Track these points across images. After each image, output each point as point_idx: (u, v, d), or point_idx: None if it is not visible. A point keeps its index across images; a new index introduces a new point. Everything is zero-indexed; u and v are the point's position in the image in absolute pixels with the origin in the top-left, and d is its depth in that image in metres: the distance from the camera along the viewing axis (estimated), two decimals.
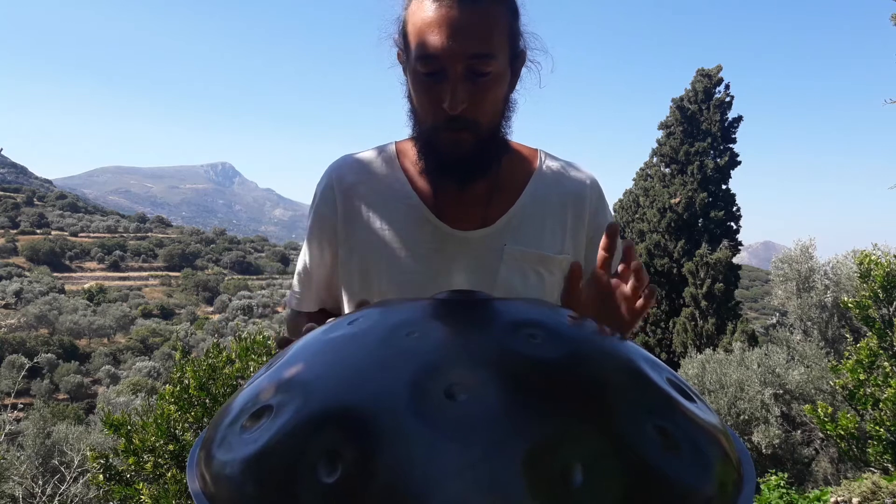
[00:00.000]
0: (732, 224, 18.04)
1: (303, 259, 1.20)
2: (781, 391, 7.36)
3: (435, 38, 0.92)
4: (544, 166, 1.13)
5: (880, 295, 4.92)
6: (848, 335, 6.52)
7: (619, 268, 0.90)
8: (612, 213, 1.18)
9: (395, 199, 1.09)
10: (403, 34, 1.00)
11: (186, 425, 4.24)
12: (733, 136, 18.49)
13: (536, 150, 1.16)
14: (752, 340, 13.14)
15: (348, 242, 1.11)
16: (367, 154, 1.15)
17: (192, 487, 0.52)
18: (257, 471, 0.47)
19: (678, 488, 0.45)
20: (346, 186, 1.12)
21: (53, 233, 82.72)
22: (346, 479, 0.43)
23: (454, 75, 0.93)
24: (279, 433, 0.47)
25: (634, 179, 19.73)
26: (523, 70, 1.05)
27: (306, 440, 0.46)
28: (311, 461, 0.44)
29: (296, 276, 1.23)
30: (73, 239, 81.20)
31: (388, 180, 1.11)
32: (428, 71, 0.94)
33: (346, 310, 1.15)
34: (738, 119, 18.51)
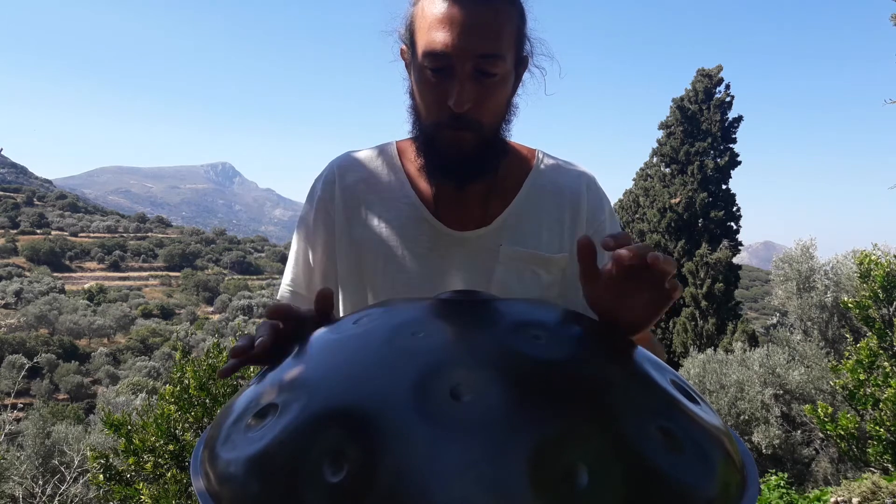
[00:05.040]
0: (732, 224, 18.05)
1: (300, 254, 1.16)
2: (782, 391, 7.36)
3: (445, 35, 0.92)
4: (541, 165, 1.13)
5: (880, 295, 4.92)
6: (848, 335, 6.52)
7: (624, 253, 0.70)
8: (614, 212, 1.18)
9: (394, 198, 1.09)
10: (411, 30, 1.00)
11: (186, 425, 4.24)
12: (733, 136, 18.50)
13: (534, 150, 1.16)
14: (753, 340, 13.15)
15: (347, 239, 1.10)
16: (368, 153, 1.15)
17: (196, 486, 0.52)
18: (262, 469, 0.47)
19: (681, 489, 0.45)
20: (347, 183, 1.12)
21: (53, 233, 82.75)
22: (352, 478, 0.43)
23: (462, 73, 0.93)
24: (284, 432, 0.48)
25: (634, 179, 19.74)
26: (526, 75, 1.05)
27: (311, 439, 0.46)
28: (316, 460, 0.44)
29: (290, 272, 1.17)
30: (73, 239, 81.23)
31: (388, 179, 1.11)
32: (435, 67, 0.94)
33: (342, 307, 1.14)
34: (739, 119, 18.52)
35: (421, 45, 0.96)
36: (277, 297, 1.19)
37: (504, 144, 1.06)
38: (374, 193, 1.10)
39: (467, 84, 0.93)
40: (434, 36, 0.93)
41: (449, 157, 1.00)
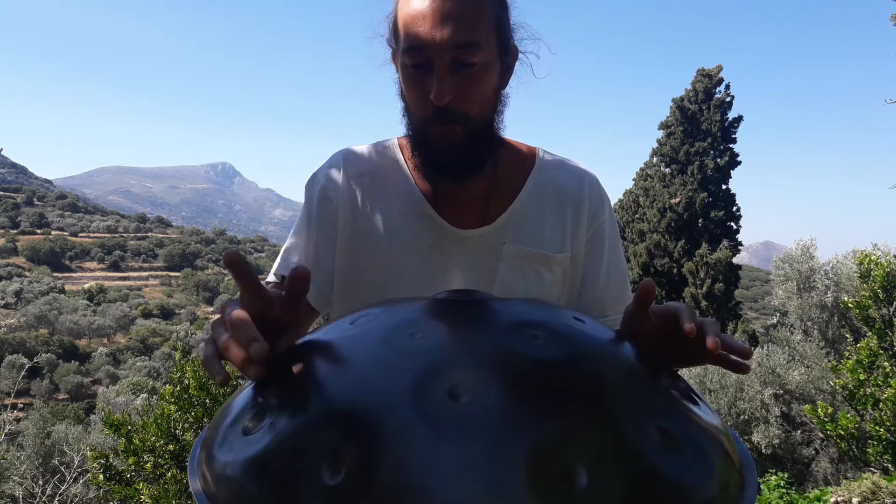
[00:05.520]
0: (732, 224, 18.05)
1: (301, 238, 1.12)
2: (781, 391, 7.36)
3: (420, 29, 0.92)
4: (543, 164, 1.13)
5: (880, 295, 4.91)
6: (848, 335, 6.52)
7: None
8: (613, 211, 1.18)
9: (398, 193, 1.09)
10: (394, 31, 1.00)
11: (186, 425, 4.23)
12: (733, 136, 18.50)
13: (535, 147, 1.16)
14: (753, 340, 13.15)
15: (349, 231, 1.09)
16: (370, 148, 1.14)
17: (193, 488, 0.51)
18: (260, 472, 0.46)
19: (680, 489, 0.45)
20: (351, 175, 1.11)
21: (53, 233, 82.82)
22: (349, 480, 0.42)
23: (440, 66, 0.93)
24: (281, 433, 0.47)
25: (634, 179, 19.74)
26: (518, 66, 1.04)
27: (309, 441, 0.46)
28: (313, 462, 0.44)
29: (294, 253, 1.12)
30: (73, 239, 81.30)
31: (391, 175, 1.10)
32: (415, 63, 0.95)
33: (340, 300, 1.12)
34: (739, 119, 18.52)
35: (401, 43, 0.96)
36: (273, 273, 1.13)
37: (497, 136, 1.05)
38: (378, 187, 1.09)
39: (446, 76, 0.93)
40: (409, 32, 0.93)
41: (440, 153, 0.99)
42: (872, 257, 5.04)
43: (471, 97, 0.96)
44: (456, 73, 0.93)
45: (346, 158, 1.13)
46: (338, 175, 1.11)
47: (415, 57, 0.94)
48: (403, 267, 1.05)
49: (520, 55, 1.05)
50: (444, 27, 0.91)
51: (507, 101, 1.04)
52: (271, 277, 1.12)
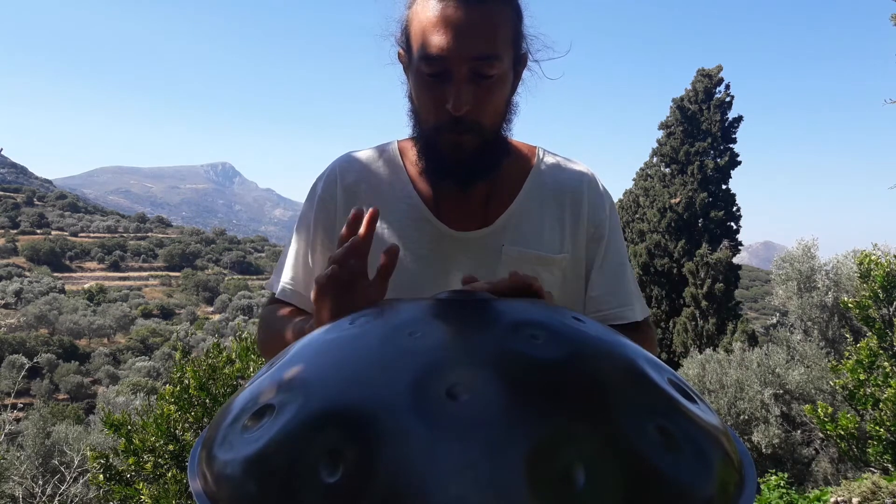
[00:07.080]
0: (732, 224, 18.06)
1: (300, 254, 1.14)
2: (781, 391, 7.36)
3: (440, 39, 0.91)
4: (542, 164, 1.13)
5: (880, 295, 4.92)
6: (848, 335, 6.53)
7: None
8: (614, 206, 1.18)
9: (395, 198, 1.09)
10: (406, 33, 1.00)
11: (186, 425, 4.24)
12: (733, 136, 18.51)
13: (535, 147, 1.16)
14: (753, 340, 13.16)
15: None
16: (369, 153, 1.15)
17: (193, 487, 0.52)
18: (259, 470, 0.47)
19: (679, 489, 0.45)
20: (348, 183, 1.11)
21: (53, 233, 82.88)
22: (348, 478, 0.43)
23: (458, 77, 0.92)
24: (281, 432, 0.47)
25: (634, 179, 19.74)
26: (527, 73, 1.05)
27: (308, 440, 0.46)
28: (312, 461, 0.44)
29: (290, 269, 1.14)
30: (73, 239, 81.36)
31: (390, 179, 1.11)
32: (432, 71, 0.94)
33: None
34: (739, 119, 18.53)
35: (416, 50, 0.95)
36: (276, 292, 1.16)
37: (505, 144, 1.06)
38: (376, 194, 1.10)
39: (464, 87, 0.92)
40: (429, 40, 0.92)
41: (450, 160, 1.00)
42: (872, 257, 5.04)
43: (486, 108, 0.96)
44: (473, 83, 0.93)
45: (343, 167, 1.13)
46: (334, 186, 1.12)
47: (433, 66, 0.93)
48: (403, 272, 1.06)
49: (535, 68, 1.05)
50: (465, 38, 0.91)
51: (516, 109, 1.05)
52: (286, 287, 1.14)
